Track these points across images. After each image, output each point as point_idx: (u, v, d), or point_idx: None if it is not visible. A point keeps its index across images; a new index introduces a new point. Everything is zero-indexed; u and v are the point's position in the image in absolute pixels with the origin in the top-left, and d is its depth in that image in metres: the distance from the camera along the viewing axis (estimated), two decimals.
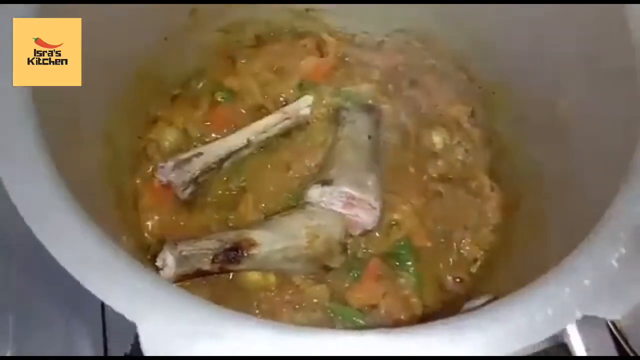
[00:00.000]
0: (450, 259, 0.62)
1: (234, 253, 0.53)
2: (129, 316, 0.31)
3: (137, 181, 0.61)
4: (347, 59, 0.71)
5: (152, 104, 0.64)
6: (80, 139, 0.48)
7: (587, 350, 0.67)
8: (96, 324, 0.62)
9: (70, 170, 0.39)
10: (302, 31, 0.70)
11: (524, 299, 0.32)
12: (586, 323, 0.67)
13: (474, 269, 0.61)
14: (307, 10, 0.68)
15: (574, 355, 0.64)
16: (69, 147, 0.44)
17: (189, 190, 0.61)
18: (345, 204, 0.60)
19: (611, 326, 0.65)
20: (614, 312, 0.32)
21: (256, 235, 0.55)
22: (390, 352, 0.30)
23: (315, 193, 0.60)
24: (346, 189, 0.59)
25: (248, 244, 0.54)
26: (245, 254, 0.54)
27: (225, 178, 0.63)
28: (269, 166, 0.64)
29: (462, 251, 0.62)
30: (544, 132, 0.55)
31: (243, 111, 0.66)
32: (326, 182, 0.59)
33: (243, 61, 0.69)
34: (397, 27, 0.69)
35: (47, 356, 0.60)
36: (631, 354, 0.63)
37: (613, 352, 0.67)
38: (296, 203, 0.62)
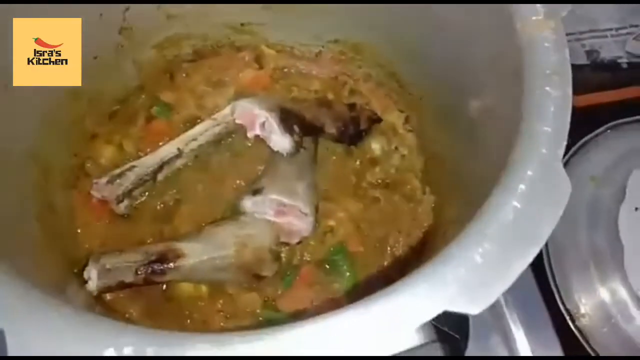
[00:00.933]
0: (384, 262, 0.63)
1: (159, 265, 0.54)
2: None
3: (74, 198, 0.62)
4: (286, 70, 0.73)
5: (89, 121, 0.65)
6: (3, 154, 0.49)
7: (532, 351, 0.69)
8: None
9: None
10: (241, 45, 0.72)
11: (388, 294, 0.33)
12: (532, 325, 0.69)
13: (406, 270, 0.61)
14: (242, 24, 0.69)
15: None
16: None
17: (124, 204, 0.62)
18: (277, 212, 0.61)
19: (573, 327, 0.66)
20: (475, 307, 0.32)
21: (183, 246, 0.56)
22: None
23: (247, 203, 0.61)
24: (275, 196, 0.60)
25: (174, 255, 0.55)
26: (171, 265, 0.55)
27: (160, 191, 0.64)
28: (204, 178, 0.65)
29: (395, 253, 0.63)
30: (462, 133, 0.56)
31: (180, 125, 0.67)
32: (257, 191, 0.61)
33: (183, 75, 0.71)
34: (332, 38, 0.70)
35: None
36: (592, 354, 0.64)
37: (559, 353, 0.68)
38: (231, 214, 0.63)
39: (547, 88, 0.39)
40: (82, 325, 0.32)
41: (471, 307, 0.32)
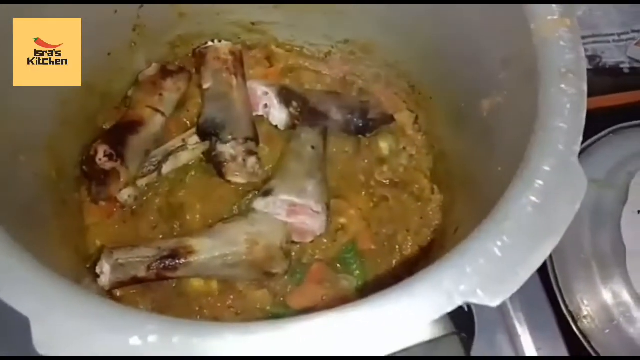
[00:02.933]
0: (393, 261, 0.63)
1: (170, 260, 0.55)
2: (23, 311, 0.32)
3: (84, 194, 0.62)
4: (295, 69, 0.73)
5: (101, 117, 0.65)
6: (15, 151, 0.49)
7: (537, 349, 0.69)
8: None
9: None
10: (251, 44, 0.72)
11: (408, 287, 0.34)
12: (536, 323, 0.70)
13: (415, 270, 0.62)
14: (252, 23, 0.70)
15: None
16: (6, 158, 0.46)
17: (127, 192, 0.61)
18: (289, 212, 0.61)
19: (575, 329, 0.66)
20: (494, 299, 0.33)
21: (195, 242, 0.56)
22: None
23: (259, 205, 0.61)
24: (285, 197, 0.60)
25: (186, 251, 0.55)
26: (182, 261, 0.55)
27: (169, 190, 0.64)
28: (213, 177, 0.65)
29: (404, 252, 0.63)
30: (472, 133, 0.56)
31: (187, 121, 0.67)
32: (267, 193, 0.61)
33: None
34: (342, 38, 0.71)
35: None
36: (593, 354, 0.64)
37: (564, 352, 0.68)
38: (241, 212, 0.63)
39: (563, 86, 0.40)
40: (107, 314, 0.32)
41: (490, 299, 0.33)
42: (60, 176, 0.57)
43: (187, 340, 0.31)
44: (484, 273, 0.34)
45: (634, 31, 0.88)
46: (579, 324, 0.66)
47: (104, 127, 0.65)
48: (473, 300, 0.33)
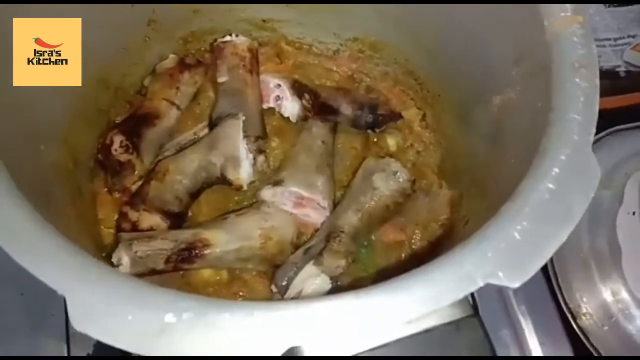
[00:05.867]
0: (403, 255, 0.64)
1: (188, 253, 0.55)
2: (59, 289, 0.33)
3: (98, 185, 0.63)
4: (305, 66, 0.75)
5: (113, 111, 0.66)
6: (36, 140, 0.50)
7: (541, 344, 0.70)
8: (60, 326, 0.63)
9: (23, 169, 0.41)
10: (261, 41, 0.73)
11: (431, 269, 0.35)
12: (540, 318, 0.71)
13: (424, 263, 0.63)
14: (264, 21, 0.71)
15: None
16: (24, 148, 0.47)
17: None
18: (295, 203, 0.62)
19: (574, 326, 0.68)
20: (515, 281, 0.34)
21: (210, 235, 0.57)
22: None
23: (267, 194, 0.62)
24: (295, 189, 0.61)
25: (202, 244, 0.56)
26: (200, 254, 0.56)
27: None
28: None
29: (413, 247, 0.64)
30: (481, 129, 0.58)
31: (198, 114, 0.68)
32: (277, 183, 0.62)
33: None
34: (351, 36, 0.72)
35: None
36: (595, 354, 0.66)
37: (567, 347, 0.70)
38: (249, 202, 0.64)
39: (577, 80, 0.41)
40: (141, 292, 0.33)
41: (511, 281, 0.34)
42: (76, 166, 0.58)
43: (219, 316, 0.32)
44: (505, 256, 0.35)
45: (629, 36, 0.90)
46: (578, 321, 0.68)
47: (116, 120, 0.66)
48: (494, 281, 0.34)
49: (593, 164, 0.38)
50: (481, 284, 0.34)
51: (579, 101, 0.40)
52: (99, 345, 0.62)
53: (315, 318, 0.33)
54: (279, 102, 0.67)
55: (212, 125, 0.65)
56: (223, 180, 0.62)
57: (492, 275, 0.34)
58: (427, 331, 0.36)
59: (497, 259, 0.35)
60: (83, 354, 0.62)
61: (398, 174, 0.63)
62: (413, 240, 0.64)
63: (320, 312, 0.33)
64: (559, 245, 0.36)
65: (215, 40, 0.70)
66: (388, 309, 0.34)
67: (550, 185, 0.37)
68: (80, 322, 0.32)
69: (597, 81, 0.41)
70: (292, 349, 0.32)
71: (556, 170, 0.38)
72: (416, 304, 0.33)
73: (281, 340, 0.32)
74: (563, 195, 0.37)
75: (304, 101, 0.65)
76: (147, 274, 0.55)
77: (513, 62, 0.51)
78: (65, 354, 0.63)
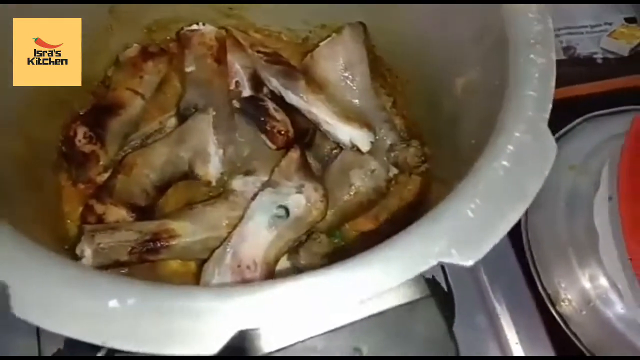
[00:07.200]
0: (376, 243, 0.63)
1: (152, 244, 0.54)
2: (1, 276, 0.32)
3: (62, 178, 0.62)
4: None
5: (77, 102, 0.65)
6: None
7: (517, 332, 0.70)
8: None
9: None
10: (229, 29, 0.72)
11: (384, 248, 0.34)
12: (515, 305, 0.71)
13: None
14: (230, 8, 0.70)
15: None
16: None
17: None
18: None
19: (553, 311, 0.68)
20: (468, 259, 0.34)
21: (177, 225, 0.56)
22: None
23: (238, 183, 0.61)
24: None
25: (168, 235, 0.55)
26: (165, 245, 0.55)
27: None
28: None
29: (386, 233, 0.64)
30: (447, 113, 0.57)
31: (164, 104, 0.67)
32: (249, 172, 0.61)
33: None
34: (319, 23, 0.71)
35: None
36: (587, 354, 0.65)
37: (543, 333, 0.69)
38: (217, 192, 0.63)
39: (532, 56, 0.41)
40: (86, 279, 0.33)
41: (464, 259, 0.34)
42: (36, 159, 0.56)
43: (165, 303, 0.32)
44: (458, 234, 0.35)
45: (606, 23, 0.91)
46: (557, 307, 0.68)
47: (80, 112, 0.65)
48: (447, 260, 0.33)
49: (549, 141, 0.38)
50: (434, 263, 0.33)
51: (534, 77, 0.40)
52: (69, 340, 0.61)
53: (266, 300, 0.33)
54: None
55: (180, 115, 0.64)
56: (191, 175, 0.62)
57: (445, 253, 0.34)
58: (382, 313, 0.35)
59: (450, 237, 0.34)
60: (54, 348, 0.61)
61: (376, 172, 0.62)
62: (385, 227, 0.64)
63: (270, 294, 0.33)
64: (514, 222, 0.35)
65: (182, 28, 0.69)
66: (341, 288, 0.33)
67: (505, 163, 0.37)
68: (22, 310, 0.31)
69: (553, 57, 0.41)
70: (242, 332, 0.32)
71: (510, 147, 0.38)
72: (369, 283, 0.33)
73: (229, 324, 0.31)
74: (518, 173, 0.37)
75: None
76: (111, 265, 0.54)
77: (472, 40, 0.50)
78: (36, 349, 0.61)
